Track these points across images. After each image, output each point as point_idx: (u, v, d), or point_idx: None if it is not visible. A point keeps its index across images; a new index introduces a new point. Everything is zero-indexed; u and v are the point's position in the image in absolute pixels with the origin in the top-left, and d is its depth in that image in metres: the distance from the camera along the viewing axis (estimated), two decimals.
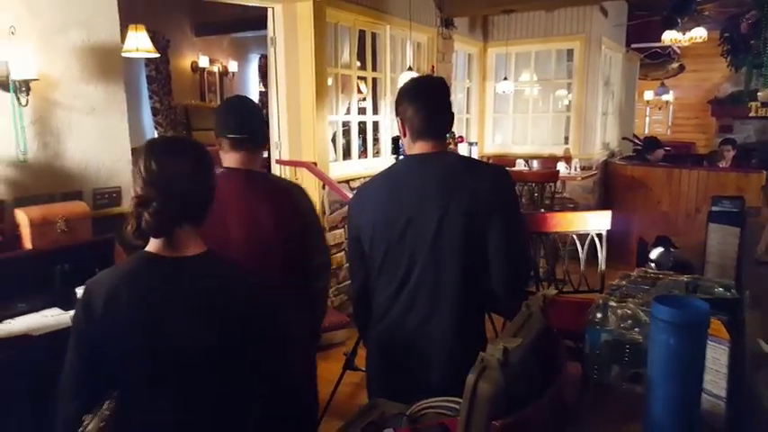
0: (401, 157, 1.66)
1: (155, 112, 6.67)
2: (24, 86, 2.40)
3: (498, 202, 1.52)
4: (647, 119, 11.21)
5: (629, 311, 1.25)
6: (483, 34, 6.77)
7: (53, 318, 2.23)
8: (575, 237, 2.97)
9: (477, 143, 6.42)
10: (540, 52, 6.74)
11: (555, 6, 6.03)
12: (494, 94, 6.94)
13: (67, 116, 2.63)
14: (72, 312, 2.24)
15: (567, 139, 6.72)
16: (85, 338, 1.13)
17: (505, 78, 6.29)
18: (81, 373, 1.14)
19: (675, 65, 9.81)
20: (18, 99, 2.39)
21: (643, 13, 7.13)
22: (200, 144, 1.28)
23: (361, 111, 4.98)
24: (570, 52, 6.56)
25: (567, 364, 1.34)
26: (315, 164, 3.85)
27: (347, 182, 4.37)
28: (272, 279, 1.28)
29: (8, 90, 2.37)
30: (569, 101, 6.76)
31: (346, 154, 4.78)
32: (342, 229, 4.10)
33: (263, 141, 1.94)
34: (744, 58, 8.10)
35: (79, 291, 2.26)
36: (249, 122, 1.72)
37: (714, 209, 1.73)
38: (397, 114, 1.63)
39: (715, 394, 1.06)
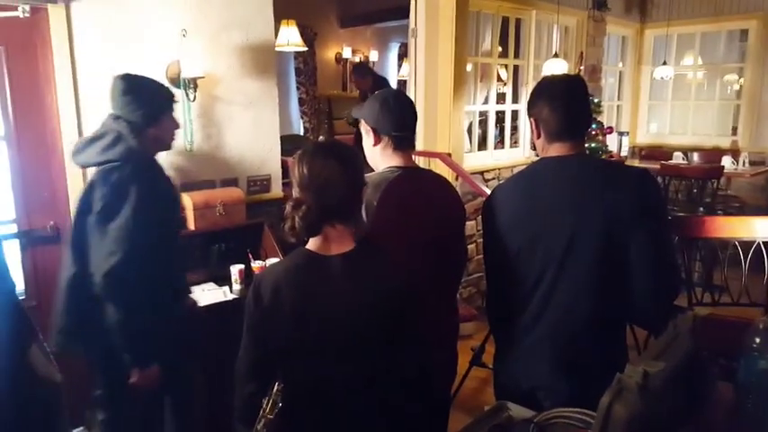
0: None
1: (301, 102, 7.08)
2: (193, 84, 2.68)
3: (643, 210, 1.41)
4: None
5: None
6: (640, 15, 6.26)
7: (209, 292, 2.49)
8: (737, 242, 2.64)
9: (628, 133, 5.96)
10: (706, 33, 6.09)
11: None
12: (650, 80, 6.38)
13: (227, 110, 2.89)
14: (225, 288, 2.51)
15: (735, 130, 6.01)
16: (257, 324, 1.27)
17: (665, 63, 5.74)
18: (254, 354, 1.28)
19: None
20: (187, 95, 2.68)
21: None
22: (351, 148, 1.36)
23: (500, 98, 4.86)
24: (744, 33, 5.83)
25: (718, 386, 1.21)
26: (449, 155, 3.84)
27: (481, 173, 4.31)
28: (421, 274, 1.34)
29: (179, 87, 2.65)
30: (740, 87, 6.00)
31: (482, 144, 4.70)
32: (473, 221, 4.05)
33: None
34: None
35: (233, 269, 2.51)
36: (413, 119, 1.69)
37: None
38: (531, 115, 1.57)
39: None
